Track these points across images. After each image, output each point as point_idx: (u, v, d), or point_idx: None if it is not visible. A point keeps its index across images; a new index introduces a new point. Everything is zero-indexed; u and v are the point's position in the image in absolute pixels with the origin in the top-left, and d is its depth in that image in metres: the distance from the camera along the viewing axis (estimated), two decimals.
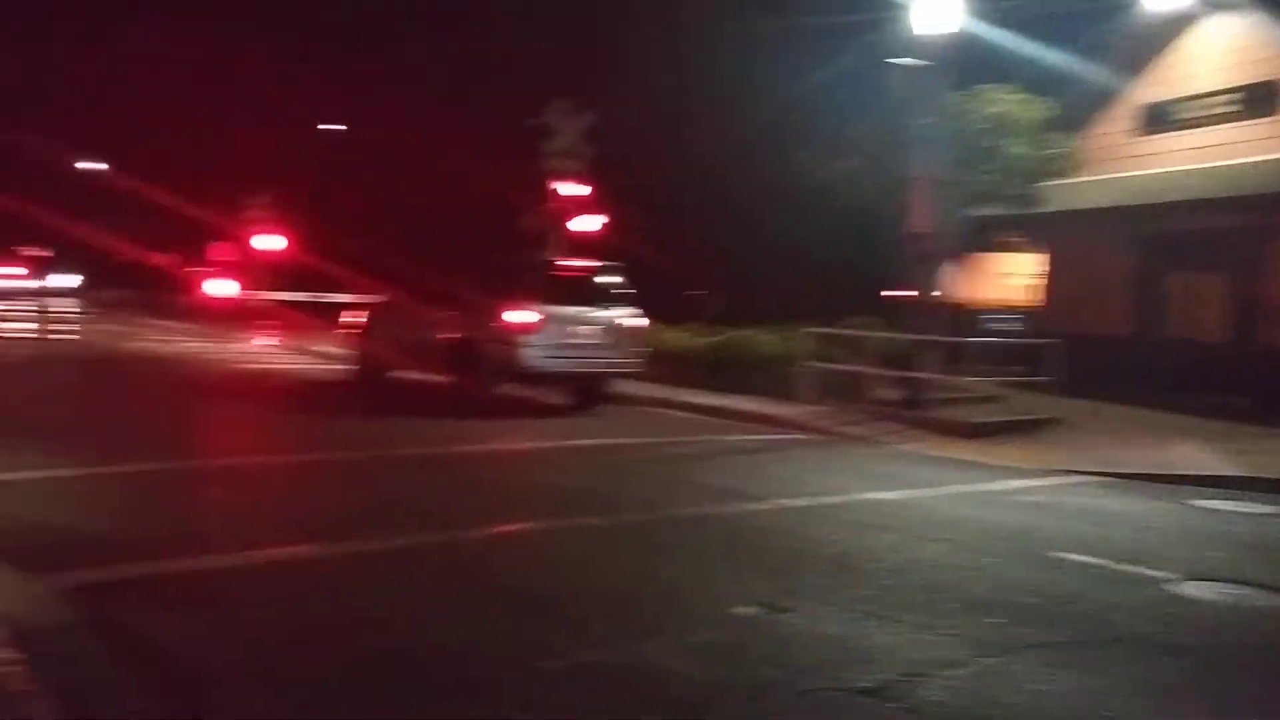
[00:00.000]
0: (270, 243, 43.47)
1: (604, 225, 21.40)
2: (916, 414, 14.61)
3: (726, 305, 22.57)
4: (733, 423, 14.74)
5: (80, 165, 59.60)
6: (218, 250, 45.31)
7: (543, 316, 14.57)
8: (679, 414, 15.46)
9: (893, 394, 15.26)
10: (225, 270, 44.52)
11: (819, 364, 15.91)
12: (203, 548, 7.06)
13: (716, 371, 17.43)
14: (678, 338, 18.72)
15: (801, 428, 14.31)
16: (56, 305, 54.12)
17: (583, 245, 20.24)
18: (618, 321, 15.21)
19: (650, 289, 16.28)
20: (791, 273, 24.95)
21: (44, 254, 76.36)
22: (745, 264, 26.62)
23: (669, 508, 9.11)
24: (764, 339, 17.52)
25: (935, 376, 15.08)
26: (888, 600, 6.38)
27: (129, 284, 58.92)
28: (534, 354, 14.43)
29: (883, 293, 15.49)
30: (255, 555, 6.95)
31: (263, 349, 25.67)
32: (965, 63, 15.56)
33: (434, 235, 33.98)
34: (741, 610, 6.11)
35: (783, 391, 16.03)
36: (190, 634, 5.46)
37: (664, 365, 17.18)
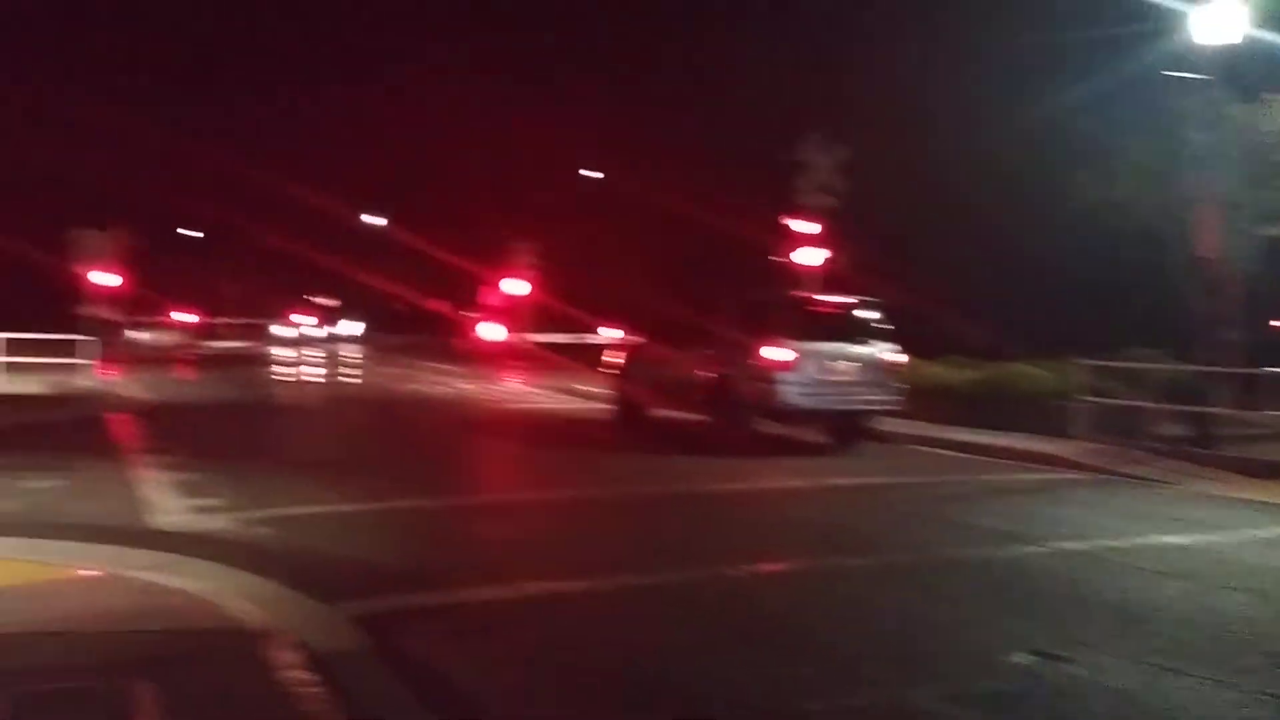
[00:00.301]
0: (534, 287, 45.31)
1: (857, 258, 21.11)
2: (1205, 452, 13.57)
3: (986, 338, 21.73)
4: (1001, 461, 14.13)
5: (364, 219, 64.03)
6: (487, 295, 47.59)
7: (799, 353, 14.47)
8: (942, 452, 14.96)
9: (1178, 430, 14.24)
10: (494, 314, 46.69)
11: (1094, 398, 15.06)
12: (480, 580, 7.36)
13: (981, 407, 16.78)
14: (938, 372, 18.18)
15: (1077, 466, 13.55)
16: (343, 350, 58.31)
17: (836, 279, 20.04)
18: (875, 357, 14.92)
19: (906, 322, 15.88)
20: (1058, 302, 23.80)
21: (332, 303, 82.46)
22: (1006, 294, 25.61)
23: (936, 549, 8.81)
24: (1032, 372, 16.74)
25: (1227, 411, 13.97)
26: (1180, 652, 5.92)
27: (407, 329, 62.87)
28: (791, 391, 14.33)
29: (1272, 322, 14.23)
30: (530, 587, 7.19)
31: (530, 389, 26.69)
32: (1251, 72, 14.47)
33: (689, 274, 34.49)
34: (1017, 658, 5.81)
35: (1054, 428, 15.25)
36: (471, 661, 5.69)
37: (924, 401, 16.69)
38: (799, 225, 21.19)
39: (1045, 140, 23.06)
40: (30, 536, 7.82)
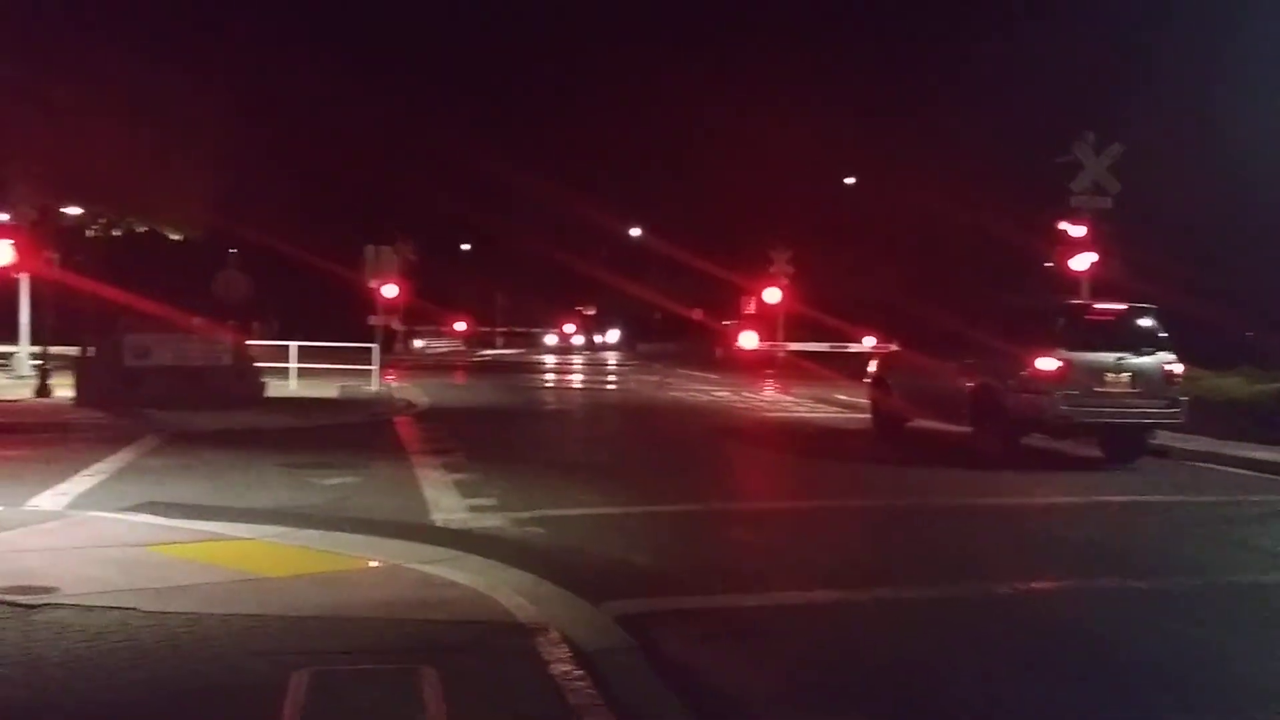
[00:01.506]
0: (791, 295, 45.18)
1: (1132, 263, 19.87)
2: None
3: None
4: None
5: (624, 229, 65.83)
6: (744, 304, 47.83)
7: (1069, 363, 13.83)
8: (1231, 470, 13.91)
9: None
10: (750, 323, 46.87)
11: None
12: (736, 585, 7.48)
13: (1278, 422, 15.49)
14: (1229, 384, 16.96)
15: None
16: (602, 358, 60.03)
17: (1110, 286, 18.99)
18: (1151, 367, 14.06)
19: (1190, 331, 14.86)
20: None
21: (591, 311, 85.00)
22: None
23: (1222, 573, 8.25)
24: None
25: None
26: None
27: (662, 337, 64.08)
28: (1061, 403, 13.69)
29: None
30: (787, 595, 7.25)
31: (786, 398, 26.67)
32: None
33: (951, 281, 33.52)
34: None
35: None
36: (729, 664, 5.82)
37: (1210, 415, 15.58)
38: (1070, 229, 20.21)
39: None
40: (326, 529, 8.52)
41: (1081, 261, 19.70)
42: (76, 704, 4.62)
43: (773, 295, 45.00)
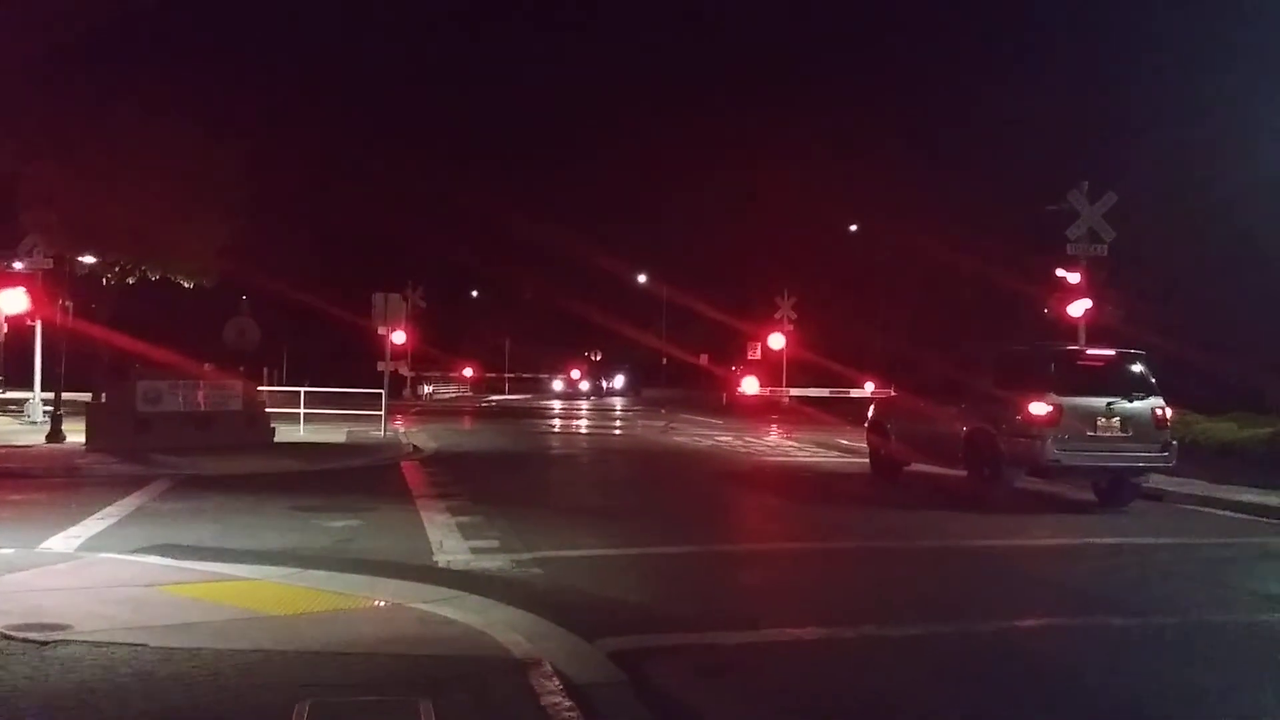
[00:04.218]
0: (793, 341, 45.63)
1: (1126, 310, 20.18)
2: None
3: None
4: None
5: (629, 276, 66.27)
6: (747, 350, 48.22)
7: (1061, 407, 14.07)
8: (1221, 513, 14.10)
9: None
10: (753, 369, 47.23)
11: None
12: (729, 623, 7.71)
13: (1273, 466, 15.68)
14: (1221, 429, 17.17)
15: None
16: (608, 403, 60.22)
17: (1102, 332, 19.27)
18: (1142, 412, 14.28)
19: (1184, 375, 15.11)
20: None
21: (598, 358, 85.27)
22: None
23: (1201, 612, 8.43)
24: None
25: None
26: None
27: (667, 383, 64.39)
28: (1053, 447, 13.92)
29: None
30: (776, 632, 7.49)
31: (787, 443, 26.86)
32: None
33: (949, 328, 33.81)
34: None
35: None
36: (717, 697, 6.06)
37: (1202, 459, 15.80)
38: (1066, 276, 20.54)
39: None
40: (332, 570, 8.78)
41: (1077, 308, 19.99)
42: None
43: (777, 341, 45.44)
